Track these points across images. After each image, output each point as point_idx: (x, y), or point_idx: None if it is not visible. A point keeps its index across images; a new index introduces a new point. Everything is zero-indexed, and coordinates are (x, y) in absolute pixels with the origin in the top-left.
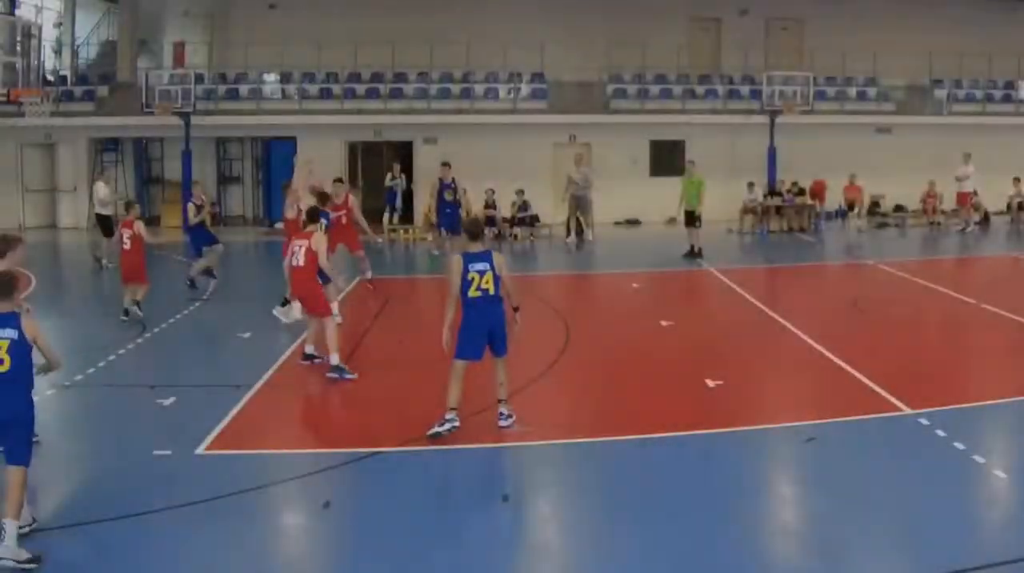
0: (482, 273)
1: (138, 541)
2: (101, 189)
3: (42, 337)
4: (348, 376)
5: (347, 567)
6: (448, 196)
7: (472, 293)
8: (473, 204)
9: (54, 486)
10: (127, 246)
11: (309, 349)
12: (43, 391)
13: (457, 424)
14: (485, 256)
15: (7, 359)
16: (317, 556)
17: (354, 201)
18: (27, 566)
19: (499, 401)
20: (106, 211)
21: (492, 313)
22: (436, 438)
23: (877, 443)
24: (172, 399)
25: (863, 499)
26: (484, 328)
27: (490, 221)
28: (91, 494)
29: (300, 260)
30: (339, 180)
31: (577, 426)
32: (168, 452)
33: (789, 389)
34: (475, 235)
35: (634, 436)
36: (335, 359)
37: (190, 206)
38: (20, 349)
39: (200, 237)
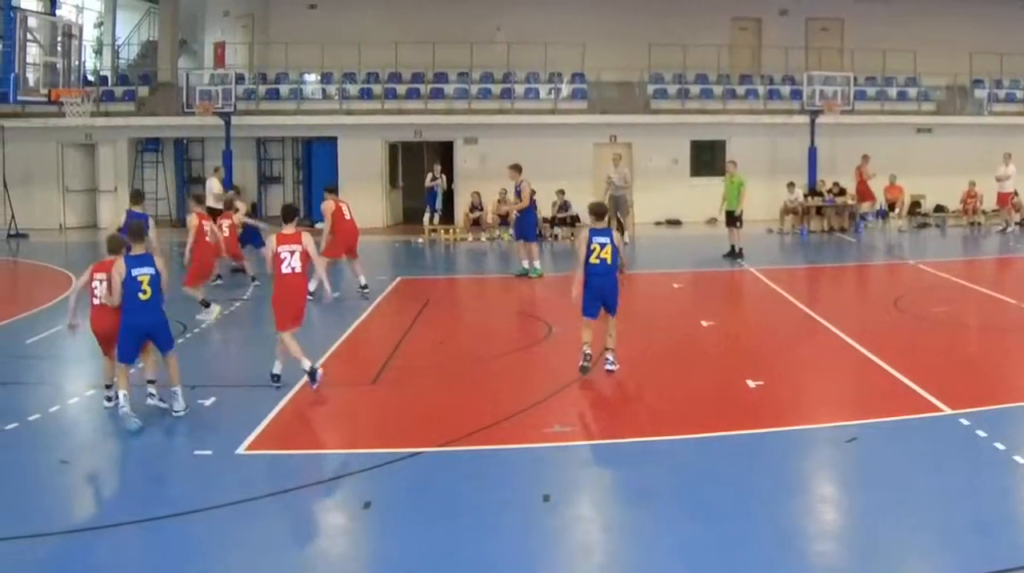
0: (603, 246)
1: (179, 541)
2: (215, 185)
3: (166, 270)
4: (313, 382)
5: (387, 567)
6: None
7: (593, 260)
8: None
9: (95, 486)
10: (227, 233)
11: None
12: (83, 392)
13: (589, 353)
14: (606, 232)
15: (149, 290)
16: (357, 556)
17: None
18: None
19: (607, 349)
20: (218, 205)
21: (607, 280)
22: (585, 373)
23: (917, 443)
24: (212, 399)
25: (904, 499)
26: (600, 291)
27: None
28: (132, 494)
29: (295, 265)
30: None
31: (618, 426)
32: (209, 452)
33: (830, 389)
34: (600, 215)
35: (675, 436)
36: (307, 364)
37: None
38: (156, 281)
39: (251, 236)
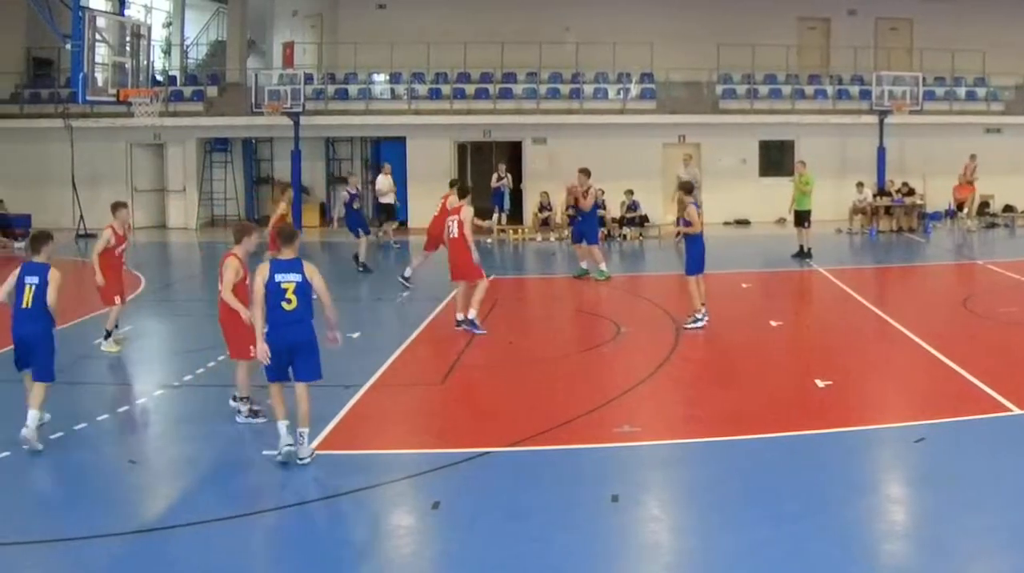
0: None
1: (249, 541)
2: (382, 181)
3: (319, 278)
4: (479, 331)
5: (455, 567)
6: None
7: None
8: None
9: (164, 486)
10: (454, 235)
11: (459, 315)
12: (151, 392)
13: (701, 315)
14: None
15: (294, 299)
16: (426, 556)
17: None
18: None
19: (704, 305)
20: (387, 200)
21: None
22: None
23: (986, 443)
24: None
25: (972, 499)
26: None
27: (599, 221)
28: (202, 494)
29: (454, 232)
30: None
31: (686, 426)
32: (277, 452)
33: (898, 389)
34: (689, 190)
35: (744, 436)
36: (472, 314)
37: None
38: (304, 289)
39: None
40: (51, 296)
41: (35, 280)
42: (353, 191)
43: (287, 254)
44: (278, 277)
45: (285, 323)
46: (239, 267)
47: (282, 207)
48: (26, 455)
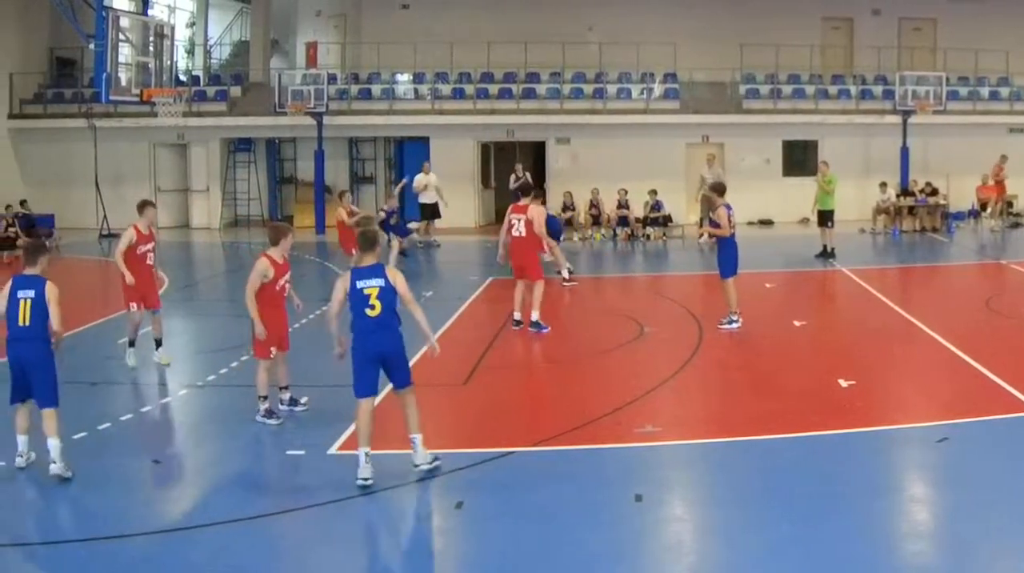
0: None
1: (272, 540)
2: (419, 179)
3: (402, 282)
4: (544, 330)
5: (479, 568)
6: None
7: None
8: (605, 204)
9: (188, 486)
10: (522, 233)
11: (517, 315)
12: (176, 392)
13: (736, 317)
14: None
15: (378, 305)
16: (450, 556)
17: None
18: None
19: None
20: (426, 199)
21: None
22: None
23: (1010, 443)
24: (305, 399)
25: (996, 499)
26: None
27: (622, 221)
28: (225, 494)
29: (521, 230)
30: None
31: (709, 426)
32: (301, 452)
33: (921, 389)
34: (721, 192)
35: (767, 436)
36: (536, 315)
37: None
38: (388, 294)
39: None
40: (55, 318)
41: (31, 294)
42: (389, 210)
43: (368, 261)
44: (359, 283)
45: (371, 330)
46: (268, 268)
47: (341, 213)
48: (49, 455)
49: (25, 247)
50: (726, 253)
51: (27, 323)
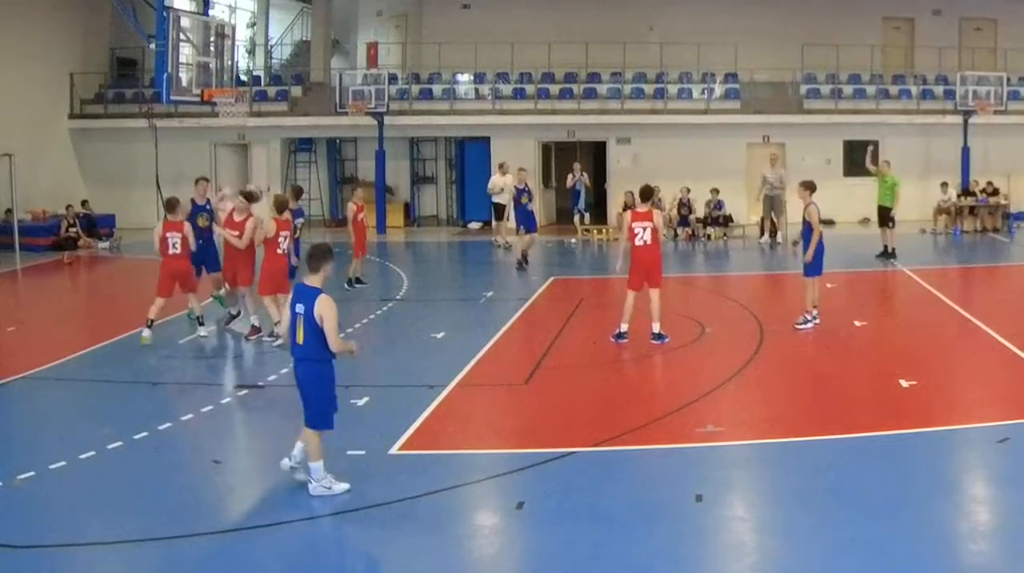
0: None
1: (332, 541)
2: (494, 181)
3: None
4: (666, 340)
5: (540, 568)
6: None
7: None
8: (667, 204)
9: (248, 486)
10: (647, 242)
11: (624, 327)
12: (235, 392)
13: (812, 316)
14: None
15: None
16: (510, 557)
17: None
18: None
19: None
20: (499, 199)
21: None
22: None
23: None
24: (366, 399)
25: None
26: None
27: (683, 221)
28: (285, 494)
29: (647, 238)
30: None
31: (770, 426)
32: (362, 452)
33: (983, 389)
34: (813, 188)
35: (828, 436)
36: (658, 327)
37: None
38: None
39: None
40: (332, 340)
41: (301, 309)
42: (521, 187)
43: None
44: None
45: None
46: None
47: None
48: (111, 455)
49: (310, 252)
50: (814, 251)
51: (302, 342)
